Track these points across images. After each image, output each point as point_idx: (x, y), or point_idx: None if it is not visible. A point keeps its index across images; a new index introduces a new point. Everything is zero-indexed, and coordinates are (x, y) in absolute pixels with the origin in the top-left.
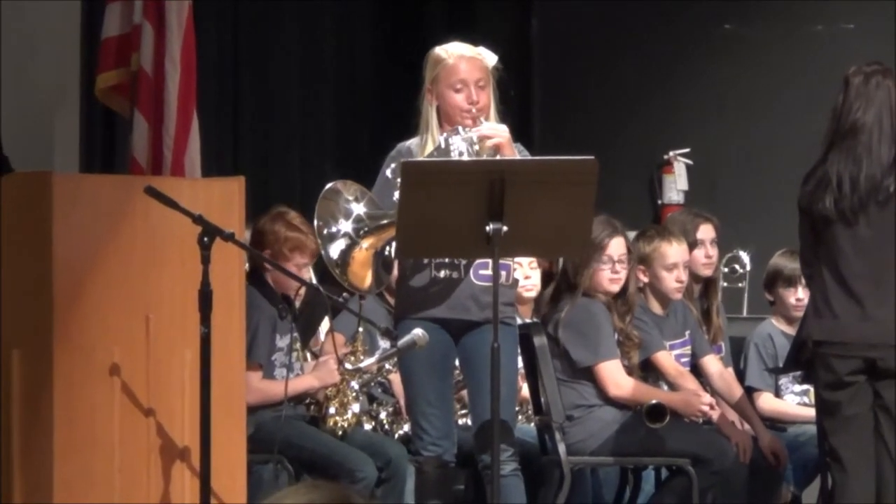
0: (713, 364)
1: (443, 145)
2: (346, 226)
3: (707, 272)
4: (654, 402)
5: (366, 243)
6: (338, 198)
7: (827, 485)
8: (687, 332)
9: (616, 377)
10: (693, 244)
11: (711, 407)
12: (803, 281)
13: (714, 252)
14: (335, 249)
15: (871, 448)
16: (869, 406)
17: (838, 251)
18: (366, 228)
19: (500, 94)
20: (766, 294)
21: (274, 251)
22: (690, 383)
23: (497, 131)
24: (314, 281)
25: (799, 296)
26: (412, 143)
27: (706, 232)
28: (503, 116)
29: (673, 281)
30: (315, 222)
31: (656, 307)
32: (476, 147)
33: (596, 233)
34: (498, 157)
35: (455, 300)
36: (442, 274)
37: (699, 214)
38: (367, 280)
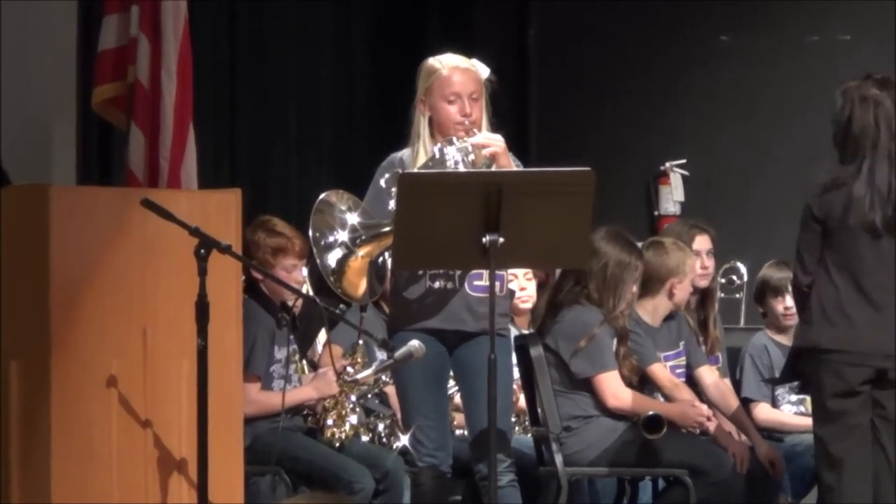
0: (708, 375)
1: (437, 155)
2: (342, 235)
3: (703, 283)
4: (651, 413)
5: (362, 252)
6: (331, 209)
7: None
8: (681, 343)
9: (615, 388)
10: None
11: (708, 418)
12: (790, 289)
13: (710, 263)
14: (332, 258)
15: (870, 456)
16: (870, 415)
17: (859, 261)
18: (362, 237)
19: (493, 107)
20: (758, 306)
21: (260, 260)
22: (686, 394)
23: (492, 140)
24: (311, 293)
25: (787, 304)
26: (404, 153)
27: (702, 243)
28: (495, 129)
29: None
30: (311, 234)
31: (650, 319)
32: (471, 157)
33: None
34: (493, 168)
35: (450, 311)
36: (436, 285)
37: (695, 225)
38: (361, 289)
